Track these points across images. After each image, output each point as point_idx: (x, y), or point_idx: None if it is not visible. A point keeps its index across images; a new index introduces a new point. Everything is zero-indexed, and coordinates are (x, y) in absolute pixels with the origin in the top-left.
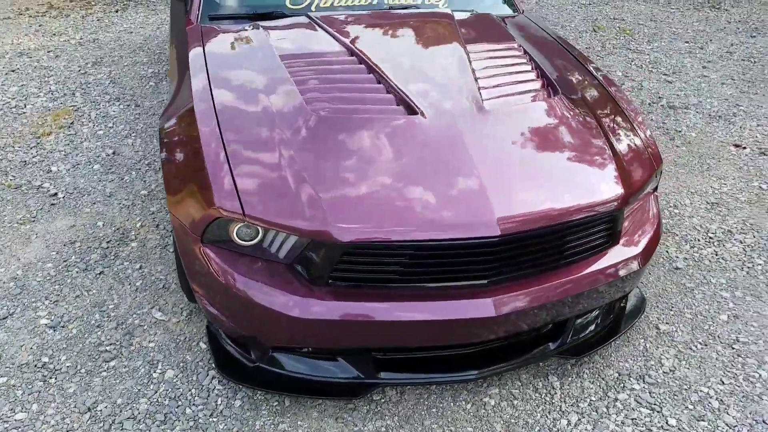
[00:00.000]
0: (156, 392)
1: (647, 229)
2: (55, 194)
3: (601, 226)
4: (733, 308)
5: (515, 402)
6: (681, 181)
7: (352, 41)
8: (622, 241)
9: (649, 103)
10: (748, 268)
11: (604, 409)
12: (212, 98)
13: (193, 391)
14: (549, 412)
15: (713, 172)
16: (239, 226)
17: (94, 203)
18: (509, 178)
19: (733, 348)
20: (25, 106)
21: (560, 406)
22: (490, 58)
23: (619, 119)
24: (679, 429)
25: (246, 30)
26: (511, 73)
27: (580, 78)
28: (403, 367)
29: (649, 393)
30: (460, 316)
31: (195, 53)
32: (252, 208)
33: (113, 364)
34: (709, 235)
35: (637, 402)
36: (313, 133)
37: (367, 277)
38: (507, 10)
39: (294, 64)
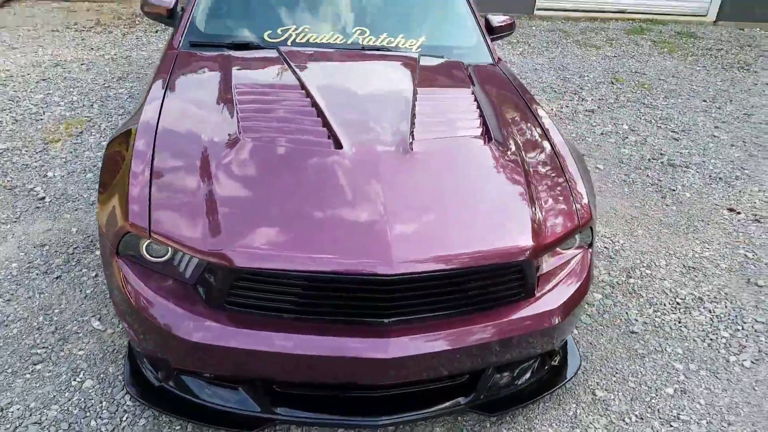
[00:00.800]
0: (69, 400)
1: (571, 286)
2: (43, 198)
3: (509, 276)
4: (683, 381)
5: None
6: (661, 242)
7: (307, 76)
8: (539, 295)
9: (649, 159)
10: (711, 340)
11: None
12: (159, 117)
13: (104, 403)
14: None
15: (699, 234)
16: (148, 242)
17: (76, 210)
18: (416, 218)
19: (671, 426)
20: (44, 114)
21: None
22: (437, 103)
23: (551, 173)
24: None
25: (215, 58)
26: (451, 119)
27: (525, 129)
28: (304, 405)
29: None
30: (351, 354)
31: (162, 74)
32: (158, 226)
33: (39, 368)
34: (677, 300)
35: None
36: (236, 159)
37: (263, 305)
38: (483, 59)
39: (245, 94)
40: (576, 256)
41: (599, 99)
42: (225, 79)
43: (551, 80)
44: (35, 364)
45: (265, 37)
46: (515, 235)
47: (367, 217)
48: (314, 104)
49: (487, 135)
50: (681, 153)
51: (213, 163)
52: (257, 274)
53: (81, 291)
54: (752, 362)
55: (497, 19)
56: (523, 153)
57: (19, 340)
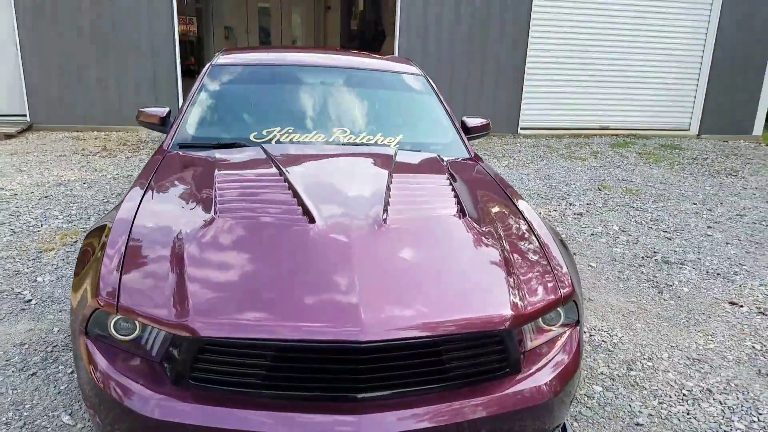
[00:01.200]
0: None
1: (560, 363)
2: (29, 300)
3: (489, 348)
4: None
5: None
6: (662, 335)
7: (287, 167)
8: (526, 372)
9: (642, 257)
10: (724, 431)
11: None
12: (136, 211)
13: None
14: None
15: (701, 327)
16: (116, 319)
17: (60, 311)
18: (388, 287)
19: None
20: (41, 226)
21: None
22: (412, 186)
23: (529, 248)
24: None
25: (201, 157)
26: (426, 200)
27: (501, 210)
28: None
29: None
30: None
31: (145, 174)
32: (126, 300)
33: None
34: (684, 392)
35: None
36: (208, 237)
37: (229, 380)
38: (459, 154)
39: (225, 183)
40: (563, 333)
41: (587, 204)
42: (207, 174)
43: (538, 188)
44: None
45: (251, 137)
46: (492, 304)
47: (337, 285)
48: (292, 189)
49: (461, 212)
50: (675, 251)
51: (185, 244)
52: (221, 344)
53: (55, 387)
54: None
55: (473, 121)
56: (499, 229)
57: None
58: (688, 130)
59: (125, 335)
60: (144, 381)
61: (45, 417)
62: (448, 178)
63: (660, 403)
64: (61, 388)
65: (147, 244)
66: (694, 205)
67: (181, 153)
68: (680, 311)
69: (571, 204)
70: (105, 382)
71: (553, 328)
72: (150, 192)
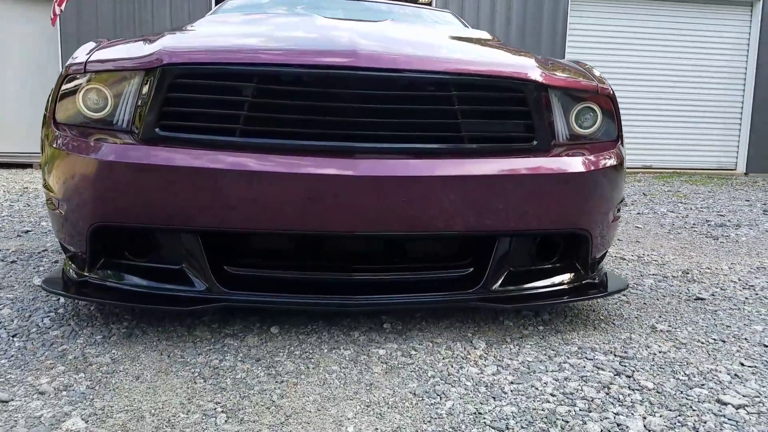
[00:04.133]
0: None
1: (596, 154)
2: (28, 231)
3: (509, 107)
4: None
5: (413, 353)
6: (722, 258)
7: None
8: (557, 151)
9: (693, 224)
10: None
11: (544, 367)
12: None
13: (18, 321)
14: (456, 363)
15: (765, 255)
16: (84, 90)
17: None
18: (392, 37)
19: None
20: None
21: (477, 361)
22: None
23: (561, 62)
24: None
25: None
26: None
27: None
28: (258, 288)
29: (619, 362)
30: (306, 170)
31: None
32: (95, 61)
33: None
34: (749, 284)
35: (597, 367)
36: (196, 22)
37: (206, 126)
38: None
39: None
40: (600, 143)
41: (633, 201)
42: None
43: None
44: None
45: None
46: (516, 62)
47: (339, 28)
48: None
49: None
50: (729, 220)
51: (167, 31)
52: (198, 75)
53: (34, 268)
54: None
55: None
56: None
57: None
58: (735, 169)
59: (96, 111)
60: (113, 143)
61: (15, 281)
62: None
63: (723, 289)
64: (40, 269)
65: (126, 41)
66: (747, 202)
67: None
68: (740, 247)
69: None
70: (70, 148)
71: (587, 131)
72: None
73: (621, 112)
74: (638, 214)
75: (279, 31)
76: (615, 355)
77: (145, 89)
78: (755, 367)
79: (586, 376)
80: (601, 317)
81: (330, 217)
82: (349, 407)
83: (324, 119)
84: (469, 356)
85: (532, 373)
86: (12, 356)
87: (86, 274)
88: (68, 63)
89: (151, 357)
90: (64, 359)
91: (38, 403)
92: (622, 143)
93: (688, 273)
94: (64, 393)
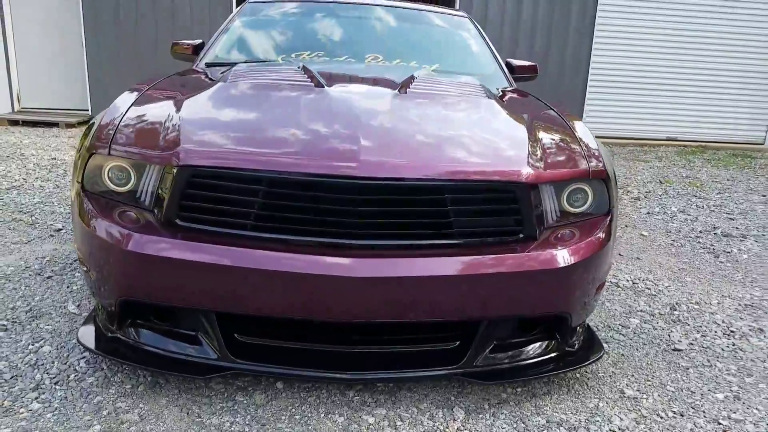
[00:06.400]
0: (22, 359)
1: (583, 240)
2: (60, 229)
3: (499, 205)
4: (736, 391)
5: (399, 424)
6: (713, 287)
7: (309, 65)
8: (541, 240)
9: (700, 231)
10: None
11: None
12: (147, 89)
13: (57, 364)
14: None
15: (759, 284)
16: (110, 167)
17: None
18: (392, 136)
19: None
20: None
21: None
22: (439, 80)
23: (559, 132)
24: None
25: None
26: (452, 86)
27: (538, 112)
28: (265, 357)
29: None
30: (313, 270)
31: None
32: (118, 143)
33: (0, 335)
34: (731, 329)
35: None
36: (211, 92)
37: (217, 219)
38: (501, 85)
39: (242, 70)
40: (591, 218)
41: (647, 192)
42: (226, 71)
43: None
44: None
45: (279, 59)
46: (508, 158)
47: (339, 131)
48: (306, 71)
49: (487, 95)
50: (737, 228)
51: (186, 99)
52: (209, 175)
53: (68, 287)
54: None
55: (518, 62)
56: (530, 118)
57: None
58: (763, 143)
59: (120, 185)
60: (141, 227)
61: (52, 307)
62: (480, 85)
63: (703, 336)
64: (74, 288)
65: (148, 106)
66: (763, 197)
67: (206, 69)
68: (737, 271)
69: (628, 191)
70: (94, 226)
71: (578, 210)
72: (164, 81)
73: (646, 79)
74: (648, 214)
75: (288, 122)
76: None
77: (166, 179)
78: None
79: None
80: (577, 375)
81: (330, 308)
82: None
83: (325, 219)
84: (447, 431)
85: None
86: (56, 409)
87: (115, 331)
88: (94, 138)
89: (173, 414)
90: (99, 415)
91: None
92: (614, 215)
93: (675, 309)
94: None
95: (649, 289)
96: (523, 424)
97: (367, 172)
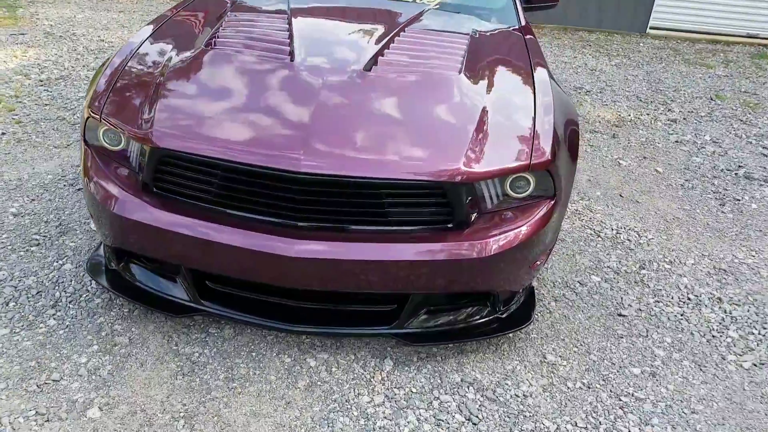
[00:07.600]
0: (47, 276)
1: (512, 229)
2: None
3: (430, 200)
4: (657, 366)
5: (334, 370)
6: (699, 243)
7: (297, 15)
8: (470, 230)
9: (722, 169)
10: (712, 337)
11: (417, 402)
12: (152, 33)
13: (74, 283)
14: (358, 387)
15: (748, 243)
16: (103, 129)
17: None
18: (340, 128)
19: (620, 400)
20: None
21: (375, 387)
22: (419, 42)
23: (517, 117)
24: None
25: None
26: (426, 56)
27: (509, 74)
28: (229, 303)
29: (479, 405)
30: (257, 247)
31: (171, 10)
32: (108, 112)
33: (33, 249)
34: (690, 296)
35: (459, 408)
36: (194, 63)
37: (186, 192)
38: (509, 22)
39: (233, 22)
40: (533, 203)
41: (688, 112)
42: (222, 13)
43: (640, 90)
44: (31, 246)
45: None
46: (444, 157)
47: (293, 120)
48: (290, 29)
49: (458, 71)
50: (765, 168)
51: (168, 70)
52: (176, 157)
53: None
54: (753, 365)
55: None
56: (493, 92)
57: (28, 229)
58: None
59: (113, 145)
60: (127, 187)
61: (78, 222)
62: (467, 40)
63: (656, 302)
64: None
65: (139, 68)
66: None
67: None
68: (733, 225)
69: (669, 110)
70: (95, 186)
71: (520, 195)
72: (166, 23)
73: None
74: (676, 142)
75: (250, 107)
76: (484, 396)
77: (145, 151)
78: (586, 429)
79: (441, 421)
80: (510, 335)
81: (271, 276)
82: (264, 426)
83: (272, 203)
84: (372, 380)
85: (406, 409)
86: (67, 327)
87: (114, 266)
88: (91, 101)
89: (157, 340)
90: (98, 336)
91: (77, 385)
92: (559, 199)
93: (644, 268)
94: (93, 378)
95: (629, 240)
96: (439, 380)
97: (308, 168)
